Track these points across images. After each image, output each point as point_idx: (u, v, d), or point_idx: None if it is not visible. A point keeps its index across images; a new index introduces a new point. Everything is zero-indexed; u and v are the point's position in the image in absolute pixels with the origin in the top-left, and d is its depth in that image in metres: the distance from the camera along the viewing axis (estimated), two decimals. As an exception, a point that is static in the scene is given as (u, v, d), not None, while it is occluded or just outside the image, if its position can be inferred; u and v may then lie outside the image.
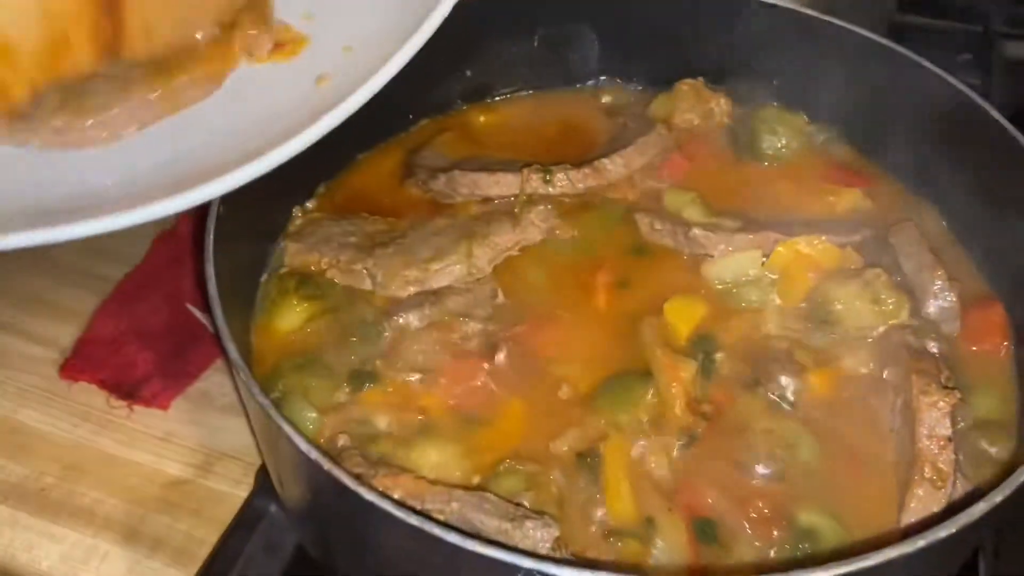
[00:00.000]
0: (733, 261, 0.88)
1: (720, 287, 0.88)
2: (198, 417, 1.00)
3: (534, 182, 0.95)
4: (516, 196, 0.95)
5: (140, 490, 0.95)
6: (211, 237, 0.74)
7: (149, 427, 0.99)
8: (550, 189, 0.96)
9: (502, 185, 0.95)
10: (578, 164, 0.97)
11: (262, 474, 0.91)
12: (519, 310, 0.87)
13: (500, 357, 0.82)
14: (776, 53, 1.01)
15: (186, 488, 0.96)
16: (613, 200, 0.97)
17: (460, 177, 0.96)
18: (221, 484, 0.96)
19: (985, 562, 0.76)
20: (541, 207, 0.93)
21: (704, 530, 0.72)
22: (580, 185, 0.96)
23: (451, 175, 0.96)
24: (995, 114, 0.87)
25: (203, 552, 0.88)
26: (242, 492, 0.92)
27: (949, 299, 0.84)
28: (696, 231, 0.90)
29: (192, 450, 0.98)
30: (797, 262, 0.86)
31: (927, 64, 0.93)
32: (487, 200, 0.96)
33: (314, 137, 0.73)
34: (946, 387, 0.73)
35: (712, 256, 0.89)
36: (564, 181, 0.96)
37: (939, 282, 0.84)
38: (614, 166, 0.97)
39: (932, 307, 0.84)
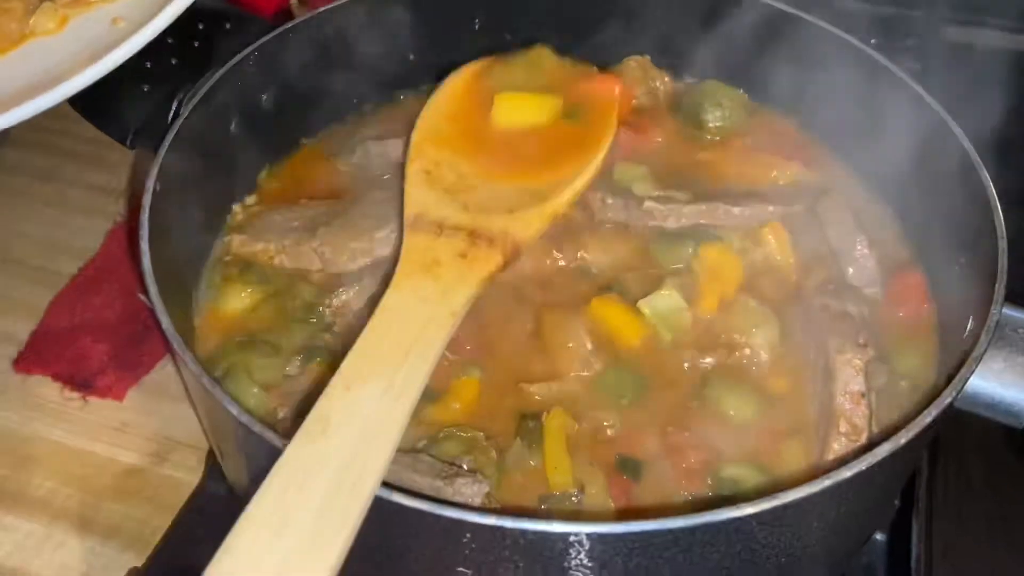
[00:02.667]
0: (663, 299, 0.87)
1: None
2: (152, 407, 1.01)
3: None
4: None
5: (95, 480, 0.96)
6: (146, 214, 0.76)
7: (104, 418, 1.01)
8: None
9: None
10: None
11: (212, 459, 0.92)
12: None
13: None
14: (717, 33, 1.03)
15: (141, 477, 0.96)
16: None
17: (372, 147, 0.97)
18: (176, 472, 0.97)
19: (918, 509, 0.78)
20: None
21: (628, 466, 0.74)
22: None
23: (364, 146, 0.98)
24: (925, 94, 0.89)
25: (158, 539, 0.89)
26: (197, 480, 0.93)
27: (869, 263, 0.86)
28: (649, 203, 0.92)
29: (147, 439, 0.99)
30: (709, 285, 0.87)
31: (855, 42, 0.96)
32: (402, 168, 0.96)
33: (114, 63, 0.87)
34: (862, 345, 0.75)
35: (663, 225, 0.92)
36: None
37: (860, 247, 0.86)
38: None
39: (853, 271, 0.86)
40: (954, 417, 0.73)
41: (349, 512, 0.45)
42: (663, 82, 1.06)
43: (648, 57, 1.07)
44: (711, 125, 1.03)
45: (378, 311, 0.62)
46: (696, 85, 1.06)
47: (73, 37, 0.95)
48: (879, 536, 0.86)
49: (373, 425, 0.49)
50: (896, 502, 0.86)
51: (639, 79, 1.06)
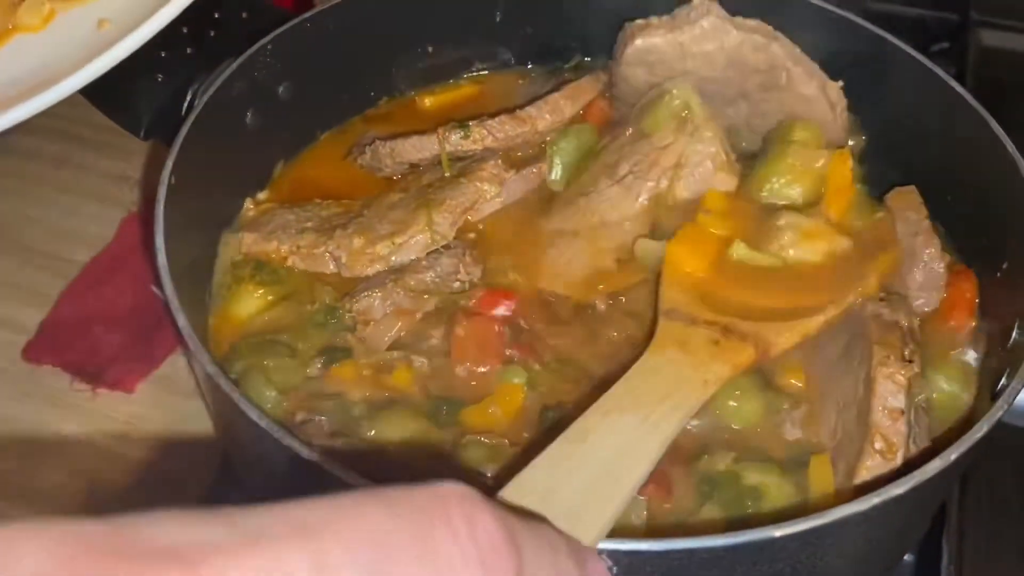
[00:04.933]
0: None
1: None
2: (163, 401, 0.99)
3: (453, 140, 0.93)
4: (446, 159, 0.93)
5: (103, 473, 0.94)
6: (161, 208, 0.74)
7: (113, 411, 0.98)
8: (473, 145, 0.93)
9: (419, 148, 0.93)
10: (494, 114, 0.95)
11: (223, 454, 0.90)
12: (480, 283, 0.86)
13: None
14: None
15: (150, 471, 0.94)
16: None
17: (380, 147, 0.94)
18: (185, 468, 0.95)
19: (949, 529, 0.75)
20: (491, 161, 0.91)
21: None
22: (500, 135, 0.93)
23: (373, 146, 0.95)
24: (967, 95, 0.87)
25: (166, 535, 0.88)
26: (206, 476, 0.91)
27: (938, 267, 0.82)
28: None
29: (156, 434, 0.97)
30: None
31: (895, 41, 0.94)
32: (413, 167, 0.94)
33: (96, 72, 0.82)
34: (907, 360, 0.72)
35: None
36: (482, 133, 0.93)
37: (931, 249, 0.82)
38: (538, 112, 0.94)
39: (919, 274, 0.83)
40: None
41: (606, 505, 0.50)
42: None
43: None
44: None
45: (636, 366, 0.67)
46: None
47: (56, 37, 0.89)
48: (907, 557, 0.83)
49: (628, 445, 0.56)
50: (926, 522, 0.83)
51: None
